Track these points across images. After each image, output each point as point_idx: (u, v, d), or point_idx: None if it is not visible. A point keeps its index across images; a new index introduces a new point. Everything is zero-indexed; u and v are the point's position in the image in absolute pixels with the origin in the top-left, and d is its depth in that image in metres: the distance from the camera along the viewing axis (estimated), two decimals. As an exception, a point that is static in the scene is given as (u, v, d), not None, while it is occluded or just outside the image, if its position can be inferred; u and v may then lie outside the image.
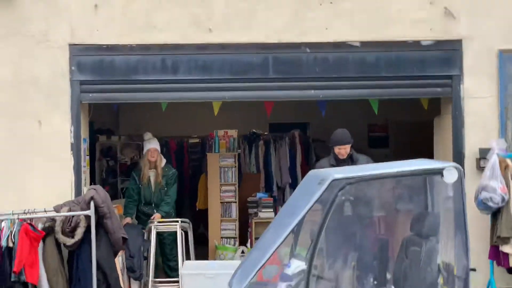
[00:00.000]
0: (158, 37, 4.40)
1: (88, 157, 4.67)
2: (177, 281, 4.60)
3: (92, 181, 5.16)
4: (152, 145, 5.15)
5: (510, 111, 4.63)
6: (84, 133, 4.58)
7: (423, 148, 5.47)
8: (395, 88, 4.66)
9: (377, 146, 6.48)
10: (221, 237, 5.90)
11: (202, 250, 5.81)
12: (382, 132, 6.98)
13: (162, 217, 4.93)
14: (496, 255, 4.40)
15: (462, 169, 2.79)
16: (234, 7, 4.44)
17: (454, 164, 3.01)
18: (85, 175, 4.57)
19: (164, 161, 5.26)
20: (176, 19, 4.39)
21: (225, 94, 4.59)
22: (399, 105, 5.73)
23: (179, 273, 4.52)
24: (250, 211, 6.13)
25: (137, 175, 5.15)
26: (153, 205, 5.10)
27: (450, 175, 2.90)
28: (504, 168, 4.33)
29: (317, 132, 7.24)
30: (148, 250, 4.65)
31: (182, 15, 4.40)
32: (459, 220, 3.08)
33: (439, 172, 2.91)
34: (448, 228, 3.18)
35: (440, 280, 3.15)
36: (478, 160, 4.56)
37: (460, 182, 2.91)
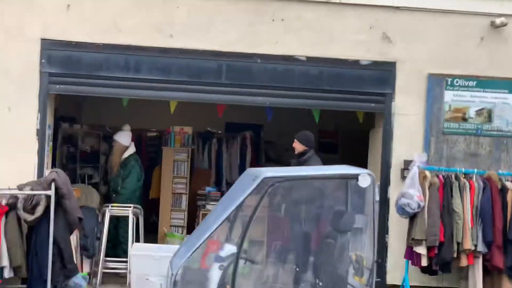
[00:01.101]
0: (123, 39, 4.87)
1: (51, 142, 5.15)
2: (126, 261, 5.11)
3: (53, 165, 5.60)
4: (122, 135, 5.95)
5: (434, 128, 5.23)
6: (49, 120, 5.05)
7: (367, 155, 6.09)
8: (334, 100, 5.23)
9: (327, 151, 7.03)
10: (171, 225, 6.44)
11: (152, 237, 6.29)
12: (332, 139, 7.60)
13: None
14: (411, 255, 4.97)
15: (374, 176, 3.21)
16: (194, 17, 4.93)
17: (368, 171, 3.41)
18: (48, 159, 5.06)
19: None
20: (140, 24, 4.87)
21: (182, 94, 5.11)
22: (348, 115, 6.28)
23: (128, 254, 5.03)
24: (199, 203, 6.66)
25: None
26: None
27: (364, 181, 3.33)
28: (422, 178, 4.93)
29: (270, 134, 7.83)
30: (101, 232, 5.16)
31: (146, 21, 4.88)
32: (370, 220, 3.55)
33: (355, 177, 3.37)
34: (362, 225, 3.69)
35: (352, 270, 3.75)
36: (402, 170, 5.15)
37: (372, 187, 3.33)
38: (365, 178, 3.33)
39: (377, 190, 4.16)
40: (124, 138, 5.91)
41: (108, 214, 5.19)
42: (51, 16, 4.84)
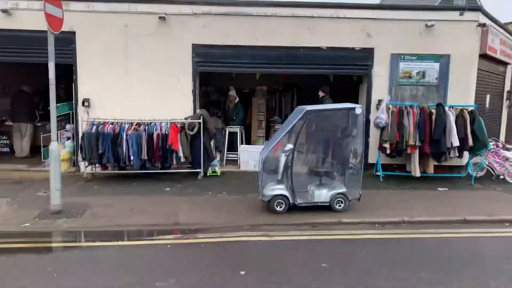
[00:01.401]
0: (232, 40, 9.32)
1: (198, 96, 9.85)
2: (237, 153, 9.99)
3: (200, 107, 10.11)
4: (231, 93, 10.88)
5: (394, 82, 9.52)
6: (197, 85, 9.68)
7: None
8: (342, 69, 9.58)
9: (337, 95, 11.46)
10: (257, 136, 11.40)
11: (248, 143, 11.29)
12: (340, 89, 12.08)
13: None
14: (381, 147, 9.26)
15: (363, 107, 6.72)
16: (267, 27, 9.37)
17: (360, 105, 6.96)
18: (197, 104, 9.65)
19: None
20: (241, 32, 9.26)
21: (262, 70, 9.72)
22: (349, 76, 10.61)
23: (238, 150, 9.88)
24: (271, 125, 11.57)
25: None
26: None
27: (358, 110, 6.91)
28: (387, 108, 9.29)
29: (306, 89, 11.97)
30: (225, 139, 10.09)
31: (245, 32, 9.22)
32: (360, 131, 6.93)
33: (353, 108, 6.93)
34: (356, 133, 7.01)
35: (352, 156, 7.23)
36: (377, 105, 9.55)
37: (362, 113, 6.79)
38: (358, 109, 6.78)
39: (364, 115, 8.45)
40: (233, 93, 10.78)
41: (228, 131, 10.06)
42: (196, 32, 9.35)
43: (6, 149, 11.59)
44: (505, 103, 13.40)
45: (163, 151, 8.73)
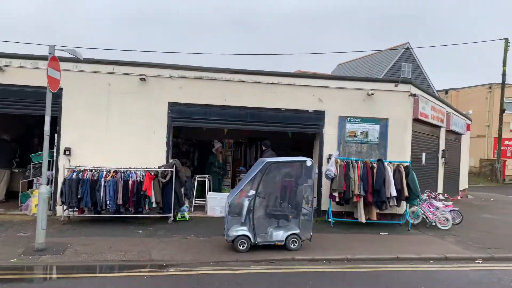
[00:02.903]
0: (203, 101, 10.62)
1: (171, 147, 10.89)
2: (205, 200, 10.91)
3: (173, 157, 11.13)
4: (218, 145, 11.99)
5: (342, 140, 11.00)
6: (170, 138, 10.74)
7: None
8: (298, 128, 11.02)
9: (296, 149, 12.82)
10: (224, 185, 12.42)
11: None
12: (297, 144, 13.53)
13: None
14: (331, 196, 10.48)
15: (313, 161, 8.29)
16: (233, 92, 10.78)
17: (310, 159, 8.34)
18: (170, 155, 10.66)
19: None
20: (212, 95, 10.66)
21: (229, 126, 10.97)
22: (305, 134, 12.10)
23: (206, 197, 10.82)
24: (237, 174, 12.68)
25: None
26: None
27: (309, 163, 8.38)
28: (336, 162, 10.70)
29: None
30: (194, 187, 11.03)
31: (215, 94, 10.66)
32: (311, 180, 8.35)
33: (305, 161, 8.44)
34: (307, 183, 8.42)
35: (304, 202, 8.86)
36: (327, 159, 10.97)
37: (312, 165, 8.26)
38: (309, 161, 8.20)
39: (316, 167, 9.86)
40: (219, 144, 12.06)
41: (197, 179, 11.04)
42: (172, 92, 10.59)
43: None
44: (441, 161, 15.28)
45: (137, 197, 9.55)
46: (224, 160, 12.60)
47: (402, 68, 31.22)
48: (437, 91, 32.73)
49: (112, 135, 10.21)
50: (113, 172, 9.56)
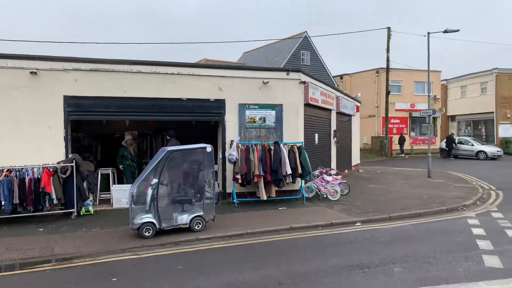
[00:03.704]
0: (100, 93, 10.53)
1: (70, 142, 10.61)
2: (110, 193, 10.88)
3: (72, 152, 10.83)
4: (128, 137, 11.78)
5: (242, 126, 11.78)
6: (68, 132, 10.47)
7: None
8: (201, 116, 11.49)
9: (203, 137, 13.38)
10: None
11: (120, 182, 12.09)
12: (202, 131, 14.15)
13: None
14: (235, 178, 11.27)
15: (212, 147, 8.71)
16: (134, 82, 10.85)
17: (210, 145, 8.86)
18: (69, 150, 10.38)
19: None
20: (108, 86, 10.59)
21: (131, 117, 11.02)
22: (209, 122, 12.63)
23: (111, 190, 10.81)
24: (144, 165, 12.56)
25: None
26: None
27: (209, 149, 8.93)
28: (237, 147, 11.43)
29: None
30: (98, 181, 10.89)
31: (113, 85, 10.61)
32: (211, 165, 9.01)
33: (205, 148, 9.04)
34: (208, 168, 9.02)
35: (207, 185, 9.40)
36: (230, 144, 11.66)
37: (212, 151, 8.83)
38: (208, 148, 8.75)
39: (220, 153, 10.47)
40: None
41: (100, 172, 10.91)
42: (67, 85, 10.29)
43: None
44: (333, 140, 16.95)
45: (35, 195, 9.25)
46: (136, 152, 12.51)
47: (301, 56, 33.21)
48: (333, 76, 35.47)
49: (2, 134, 9.65)
50: (6, 171, 9.11)
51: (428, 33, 18.58)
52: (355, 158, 21.75)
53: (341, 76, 38.51)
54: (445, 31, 17.91)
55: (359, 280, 5.66)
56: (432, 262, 6.39)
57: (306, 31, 33.32)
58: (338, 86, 36.14)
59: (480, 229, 8.53)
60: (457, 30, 17.77)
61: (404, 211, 10.49)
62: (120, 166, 11.88)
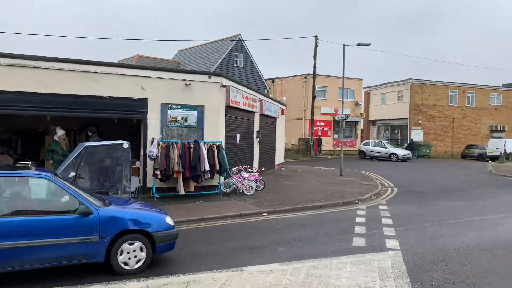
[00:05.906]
0: (22, 88, 10.72)
1: None
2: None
3: None
4: (61, 132, 11.68)
5: (164, 124, 12.52)
6: None
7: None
8: (124, 114, 12.06)
9: (131, 134, 13.98)
10: None
11: None
12: (124, 129, 14.65)
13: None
14: (155, 174, 12.03)
15: (129, 143, 9.39)
16: (56, 78, 11.16)
17: (126, 142, 9.48)
18: None
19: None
20: (32, 82, 10.82)
21: (55, 113, 11.30)
22: (131, 120, 13.21)
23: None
24: None
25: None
26: None
27: (126, 145, 9.55)
28: (158, 144, 12.17)
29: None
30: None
31: (31, 80, 10.84)
32: (128, 160, 9.85)
33: (122, 144, 9.65)
34: (126, 162, 10.37)
35: (124, 180, 10.25)
36: (151, 141, 12.34)
37: (129, 147, 9.63)
38: (125, 144, 9.44)
39: (141, 149, 11.15)
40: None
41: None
42: None
43: None
44: (256, 140, 18.22)
45: None
46: (68, 148, 12.40)
47: (235, 58, 34.37)
48: (265, 79, 37.09)
49: None
50: None
51: (344, 45, 20.59)
52: (279, 157, 23.29)
53: (273, 80, 40.31)
54: (358, 45, 19.98)
55: (246, 257, 6.78)
56: (312, 243, 7.71)
57: (240, 34, 34.51)
58: (269, 88, 37.88)
59: (362, 218, 10.14)
60: (368, 44, 19.90)
61: (307, 203, 11.93)
62: (50, 161, 11.98)
